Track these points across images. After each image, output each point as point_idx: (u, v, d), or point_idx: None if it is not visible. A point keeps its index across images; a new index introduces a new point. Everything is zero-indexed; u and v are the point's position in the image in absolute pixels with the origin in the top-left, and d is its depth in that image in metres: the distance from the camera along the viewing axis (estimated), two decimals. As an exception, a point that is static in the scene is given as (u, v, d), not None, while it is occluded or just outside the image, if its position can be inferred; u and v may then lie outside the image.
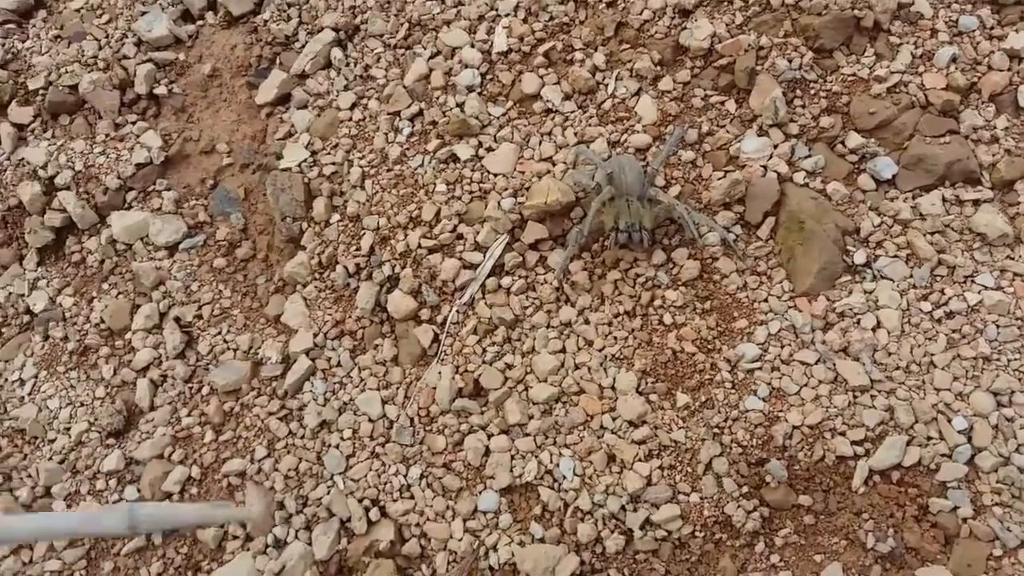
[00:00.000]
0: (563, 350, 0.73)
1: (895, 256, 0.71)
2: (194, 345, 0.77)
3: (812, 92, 0.77)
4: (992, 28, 0.78)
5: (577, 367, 0.72)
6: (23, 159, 0.88)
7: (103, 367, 0.77)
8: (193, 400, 0.74)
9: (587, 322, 0.73)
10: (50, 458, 0.73)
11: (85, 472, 0.73)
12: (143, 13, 0.95)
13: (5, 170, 0.88)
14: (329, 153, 0.83)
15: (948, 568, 0.62)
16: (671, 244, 0.73)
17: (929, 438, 0.65)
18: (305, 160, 0.83)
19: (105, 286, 0.82)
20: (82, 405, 0.75)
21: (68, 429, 0.74)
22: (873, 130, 0.75)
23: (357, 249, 0.78)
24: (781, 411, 0.67)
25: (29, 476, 0.74)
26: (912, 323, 0.69)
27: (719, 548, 0.65)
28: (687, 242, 0.73)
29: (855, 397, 0.67)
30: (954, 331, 0.68)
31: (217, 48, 0.93)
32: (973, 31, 0.77)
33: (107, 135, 0.89)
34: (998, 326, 0.68)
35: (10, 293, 0.84)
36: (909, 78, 0.76)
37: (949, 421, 0.65)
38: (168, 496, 0.71)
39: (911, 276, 0.70)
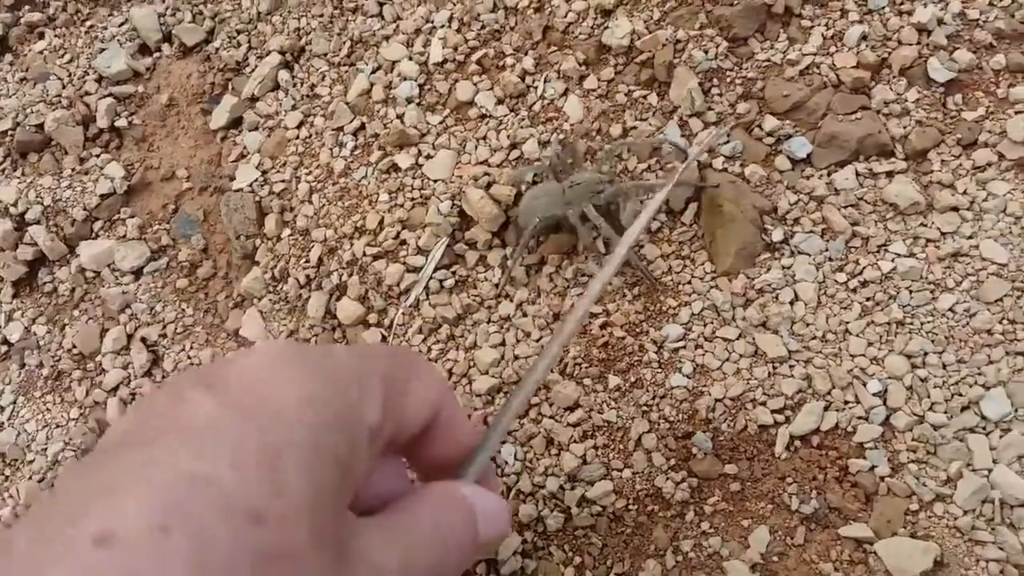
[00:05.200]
0: (503, 343, 0.76)
1: (811, 231, 0.74)
2: (160, 363, 0.81)
3: (728, 80, 0.80)
4: (901, 3, 0.80)
5: (516, 358, 0.75)
6: (-5, 199, 0.93)
7: (76, 389, 0.81)
8: (158, 414, 0.78)
9: (525, 315, 0.76)
10: (29, 478, 0.78)
11: (62, 489, 0.77)
12: (102, 50, 1.00)
13: (-22, 211, 0.92)
14: (279, 171, 0.87)
15: (869, 525, 0.65)
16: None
17: (846, 402, 0.68)
18: (256, 180, 0.87)
19: (76, 313, 0.87)
20: (57, 426, 0.79)
21: (45, 450, 0.78)
22: (788, 112, 0.78)
23: (307, 261, 0.82)
24: (705, 386, 0.70)
25: (11, 496, 0.78)
26: (828, 294, 0.72)
27: (652, 519, 0.69)
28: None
29: (774, 368, 0.70)
30: (868, 299, 0.71)
31: (173, 78, 0.97)
32: (883, 8, 0.80)
33: (73, 169, 0.94)
34: (911, 291, 0.71)
35: (-12, 326, 0.89)
36: (821, 59, 0.79)
37: (864, 385, 0.68)
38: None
39: (827, 249, 0.73)
